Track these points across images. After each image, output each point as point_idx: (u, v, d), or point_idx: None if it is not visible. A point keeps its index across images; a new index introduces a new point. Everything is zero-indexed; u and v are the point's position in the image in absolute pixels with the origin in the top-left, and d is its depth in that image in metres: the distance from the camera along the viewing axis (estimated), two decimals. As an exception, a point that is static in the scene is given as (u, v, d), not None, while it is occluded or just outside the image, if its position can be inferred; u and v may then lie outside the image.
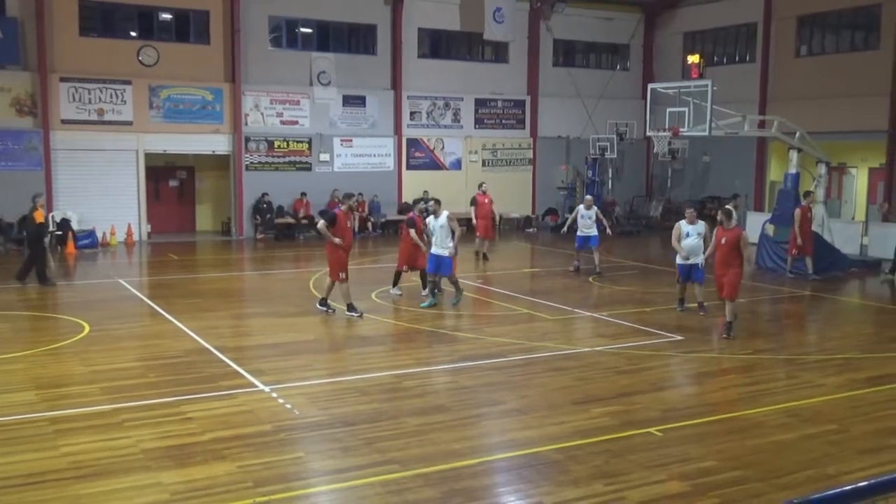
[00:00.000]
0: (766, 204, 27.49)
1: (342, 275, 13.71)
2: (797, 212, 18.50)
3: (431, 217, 15.26)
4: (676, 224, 14.63)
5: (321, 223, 13.77)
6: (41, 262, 17.03)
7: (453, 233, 14.85)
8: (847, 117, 25.25)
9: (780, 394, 9.78)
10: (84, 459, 7.37)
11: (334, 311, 13.98)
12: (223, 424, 8.35)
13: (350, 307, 13.77)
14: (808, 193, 19.41)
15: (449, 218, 14.96)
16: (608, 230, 20.06)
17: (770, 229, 20.07)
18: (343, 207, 14.07)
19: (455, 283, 15.08)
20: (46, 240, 17.13)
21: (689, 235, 14.22)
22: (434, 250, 14.94)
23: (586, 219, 18.69)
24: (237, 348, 11.81)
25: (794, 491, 6.81)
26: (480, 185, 23.20)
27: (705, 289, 14.33)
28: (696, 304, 14.33)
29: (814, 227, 19.83)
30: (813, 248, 18.67)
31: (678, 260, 14.37)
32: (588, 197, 20.16)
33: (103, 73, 24.01)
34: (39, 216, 16.99)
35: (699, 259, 14.05)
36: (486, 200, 21.33)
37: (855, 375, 10.58)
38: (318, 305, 14.17)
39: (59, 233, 22.67)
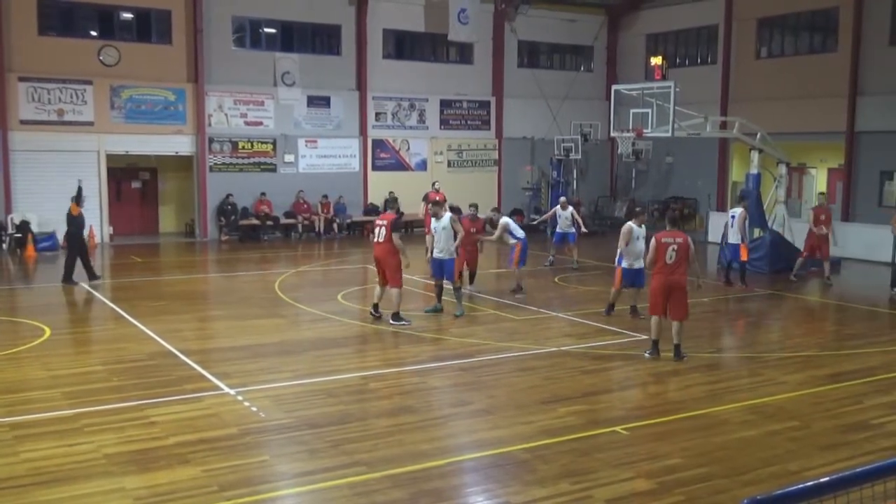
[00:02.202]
0: (728, 204, 27.81)
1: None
2: (811, 213, 18.70)
3: (432, 219, 14.49)
4: (626, 226, 13.74)
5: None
6: (85, 257, 17.20)
7: (456, 234, 14.34)
8: (806, 118, 25.65)
9: (743, 391, 9.90)
10: (44, 465, 7.24)
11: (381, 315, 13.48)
12: (188, 428, 8.26)
13: (398, 316, 13.30)
14: (821, 194, 19.71)
15: (452, 220, 14.28)
16: (583, 228, 20.75)
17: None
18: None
19: (457, 289, 14.39)
20: (86, 233, 17.52)
21: (639, 238, 13.62)
22: (436, 255, 14.20)
23: (563, 218, 19.63)
24: (202, 351, 11.69)
25: (758, 487, 6.90)
26: (434, 184, 23.72)
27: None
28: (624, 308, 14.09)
29: (775, 227, 20.14)
30: (827, 251, 18.46)
31: (624, 264, 13.71)
32: (562, 198, 20.76)
33: (63, 73, 23.63)
34: (74, 209, 17.21)
35: (642, 263, 13.52)
36: (439, 199, 21.84)
37: (816, 372, 10.75)
38: (392, 321, 13.22)
39: (19, 235, 22.35)
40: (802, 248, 18.74)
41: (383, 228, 13.36)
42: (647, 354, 11.37)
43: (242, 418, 8.62)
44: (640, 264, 13.71)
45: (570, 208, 19.88)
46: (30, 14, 23.31)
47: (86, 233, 23.51)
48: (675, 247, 11.09)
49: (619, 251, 13.95)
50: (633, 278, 13.89)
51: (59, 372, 10.39)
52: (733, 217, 17.59)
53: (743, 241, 17.42)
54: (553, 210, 20.56)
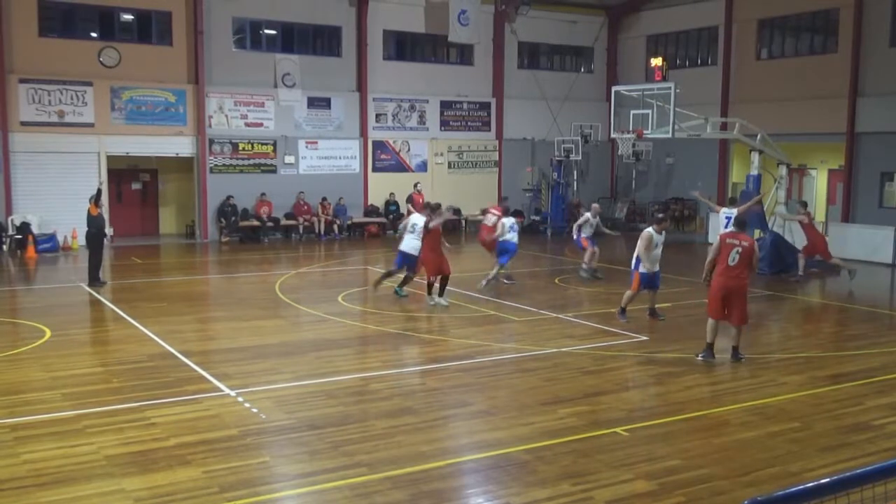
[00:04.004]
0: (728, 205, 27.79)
1: None
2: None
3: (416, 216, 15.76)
4: (646, 232, 13.55)
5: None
6: (98, 260, 17.31)
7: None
8: (806, 119, 25.65)
9: (743, 392, 9.90)
10: (45, 467, 7.24)
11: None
12: (188, 429, 8.26)
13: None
14: (804, 204, 19.70)
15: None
16: (610, 232, 20.54)
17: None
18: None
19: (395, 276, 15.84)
20: (108, 234, 17.51)
21: (658, 245, 13.43)
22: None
23: (592, 225, 18.21)
24: (202, 352, 11.69)
25: (759, 488, 6.90)
26: (416, 185, 24.21)
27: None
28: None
29: (775, 228, 20.15)
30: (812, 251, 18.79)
31: (642, 269, 13.46)
32: (595, 205, 18.93)
33: (64, 75, 23.64)
34: (93, 209, 17.29)
35: (658, 267, 13.58)
36: (421, 199, 22.84)
37: (816, 373, 10.75)
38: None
39: (19, 236, 22.38)
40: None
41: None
42: (699, 358, 11.10)
43: (243, 419, 8.62)
44: (657, 268, 13.61)
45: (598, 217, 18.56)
46: (30, 15, 23.32)
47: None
48: (740, 249, 10.88)
49: (636, 256, 13.58)
50: (650, 281, 13.66)
51: (60, 373, 10.39)
52: (728, 218, 17.50)
53: None
54: (584, 217, 18.42)
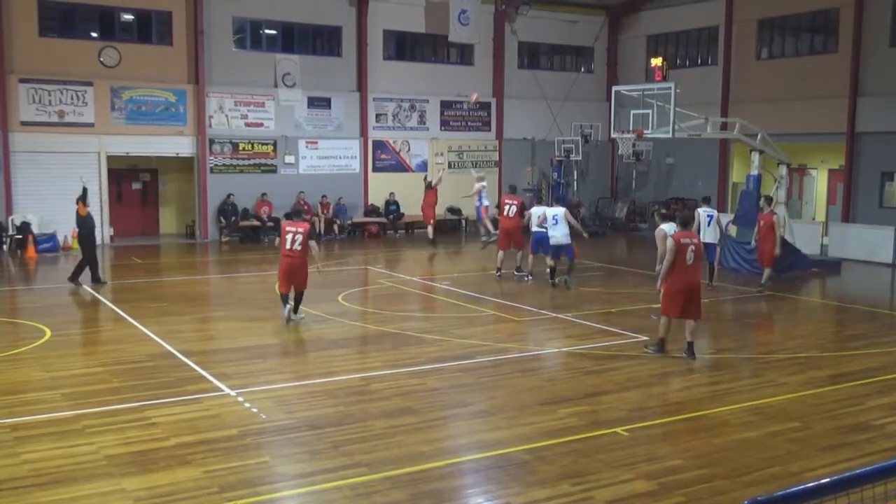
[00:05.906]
0: (729, 205, 27.85)
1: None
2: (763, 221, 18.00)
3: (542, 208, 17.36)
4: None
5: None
6: (93, 260, 17.18)
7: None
8: (807, 119, 25.65)
9: (744, 392, 9.89)
10: (45, 467, 7.24)
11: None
12: (188, 429, 8.26)
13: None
14: (769, 199, 18.57)
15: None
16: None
17: (732, 230, 20.32)
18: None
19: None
20: (97, 235, 17.58)
21: None
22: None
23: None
24: (202, 352, 11.69)
25: (759, 488, 6.90)
26: (432, 183, 25.36)
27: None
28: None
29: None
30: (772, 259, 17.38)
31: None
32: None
33: (64, 75, 23.63)
34: (82, 209, 17.13)
35: None
36: (435, 199, 25.07)
37: (816, 373, 10.74)
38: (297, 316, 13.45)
39: (19, 236, 22.38)
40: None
41: (299, 236, 12.98)
42: (651, 350, 11.42)
43: (243, 419, 8.62)
44: None
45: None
46: (30, 15, 23.31)
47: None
48: (693, 248, 11.08)
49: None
50: None
51: (60, 373, 10.39)
52: (710, 217, 17.26)
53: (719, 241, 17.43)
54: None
